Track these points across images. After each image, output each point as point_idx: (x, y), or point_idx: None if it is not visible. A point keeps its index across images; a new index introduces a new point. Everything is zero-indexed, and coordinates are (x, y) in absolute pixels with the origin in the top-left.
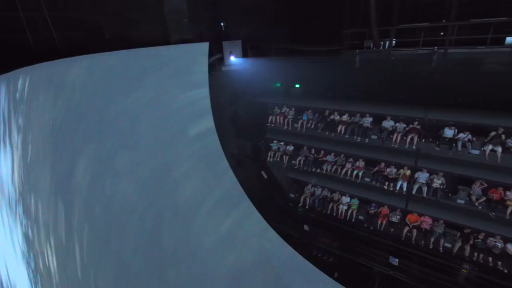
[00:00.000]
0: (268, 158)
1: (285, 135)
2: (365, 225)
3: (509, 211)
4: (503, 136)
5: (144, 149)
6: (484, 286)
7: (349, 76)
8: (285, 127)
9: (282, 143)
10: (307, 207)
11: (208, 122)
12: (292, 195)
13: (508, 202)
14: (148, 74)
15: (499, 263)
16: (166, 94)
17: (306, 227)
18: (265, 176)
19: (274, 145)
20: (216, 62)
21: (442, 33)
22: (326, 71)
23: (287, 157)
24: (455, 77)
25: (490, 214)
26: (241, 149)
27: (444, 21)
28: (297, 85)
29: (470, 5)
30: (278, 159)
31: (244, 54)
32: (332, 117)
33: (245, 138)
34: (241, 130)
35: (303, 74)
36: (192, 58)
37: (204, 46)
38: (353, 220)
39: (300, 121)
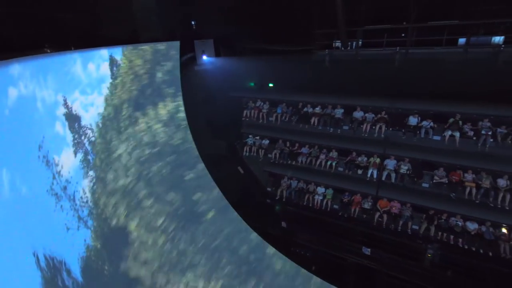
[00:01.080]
0: (244, 153)
1: (260, 129)
2: (340, 214)
3: (467, 191)
4: (460, 122)
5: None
6: (447, 267)
7: (320, 73)
8: (260, 120)
9: (257, 137)
10: (284, 200)
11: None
12: (269, 189)
13: (466, 183)
14: (115, 73)
15: (460, 240)
16: (134, 94)
17: (283, 224)
18: (242, 171)
19: (250, 140)
20: (188, 62)
21: (403, 35)
22: (298, 69)
23: (263, 151)
24: (416, 72)
25: (451, 195)
26: (218, 148)
27: (404, 23)
28: (270, 84)
29: (428, 9)
30: (254, 154)
31: (217, 54)
32: (305, 109)
33: (221, 137)
34: (217, 129)
35: (276, 72)
36: (163, 57)
37: (175, 45)
38: (328, 209)
39: (274, 115)
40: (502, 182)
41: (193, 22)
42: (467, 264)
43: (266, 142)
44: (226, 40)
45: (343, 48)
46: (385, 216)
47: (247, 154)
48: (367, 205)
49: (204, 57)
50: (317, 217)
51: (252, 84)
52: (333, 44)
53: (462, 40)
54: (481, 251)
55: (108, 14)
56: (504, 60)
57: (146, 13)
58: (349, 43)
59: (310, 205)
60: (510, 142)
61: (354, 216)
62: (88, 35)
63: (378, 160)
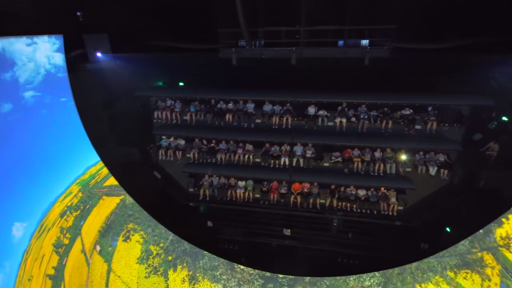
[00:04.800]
0: (160, 157)
1: (174, 129)
2: (261, 202)
3: (355, 165)
4: (346, 109)
5: None
6: (348, 231)
7: (229, 71)
8: (174, 121)
9: (172, 139)
10: (207, 199)
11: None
12: (191, 190)
13: (354, 159)
14: None
15: (354, 206)
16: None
17: (209, 223)
18: (159, 176)
19: (164, 142)
20: (77, 59)
21: (297, 36)
22: (208, 67)
23: (180, 152)
24: (310, 69)
25: (345, 171)
26: (127, 156)
27: (297, 26)
28: (181, 83)
29: (315, 15)
30: (171, 156)
31: (114, 50)
32: (218, 106)
33: (130, 143)
34: (123, 135)
35: (186, 70)
36: (41, 55)
37: (58, 40)
38: (250, 200)
39: (188, 113)
40: (377, 155)
41: (79, 14)
42: (361, 224)
43: (182, 142)
44: (125, 35)
45: (247, 47)
46: (298, 197)
47: (163, 157)
48: (283, 190)
49: (98, 54)
50: (241, 209)
51: (160, 83)
52: (238, 43)
53: (341, 42)
54: (368, 211)
55: None
56: (370, 58)
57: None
58: (253, 42)
59: (234, 199)
60: (379, 123)
61: (273, 202)
62: None
63: (288, 148)
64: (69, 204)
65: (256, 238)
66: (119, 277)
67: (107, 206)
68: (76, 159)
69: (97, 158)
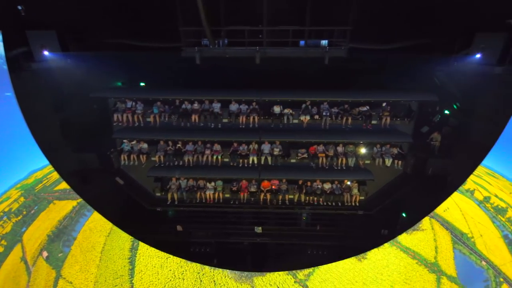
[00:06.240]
0: (122, 162)
1: (137, 132)
2: (231, 202)
3: (320, 161)
4: (309, 107)
5: None
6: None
7: (193, 70)
8: (136, 123)
9: (134, 142)
10: (176, 202)
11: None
12: (158, 194)
13: (319, 155)
14: None
15: (321, 199)
16: None
17: (179, 228)
18: (122, 182)
19: (126, 146)
20: (20, 58)
21: (260, 36)
22: (170, 66)
23: (144, 156)
24: (274, 68)
25: (311, 166)
26: (84, 163)
27: (260, 26)
28: (142, 84)
29: (280, 14)
30: (135, 161)
31: (64, 48)
32: (183, 106)
33: (87, 148)
34: (79, 140)
35: (145, 70)
36: None
37: None
38: (221, 201)
39: (151, 115)
40: (340, 150)
41: (20, 7)
42: (328, 216)
43: (145, 146)
44: (76, 32)
45: (211, 46)
46: (268, 195)
47: (126, 162)
48: (253, 188)
49: (46, 53)
50: (212, 210)
51: (119, 84)
52: (202, 41)
53: (302, 42)
54: (334, 204)
55: None
56: (329, 58)
57: None
58: (217, 41)
59: (203, 200)
60: (339, 119)
61: (243, 201)
62: None
63: (256, 147)
64: (6, 210)
65: (228, 238)
66: (71, 283)
67: (59, 210)
68: (18, 162)
69: (45, 161)
